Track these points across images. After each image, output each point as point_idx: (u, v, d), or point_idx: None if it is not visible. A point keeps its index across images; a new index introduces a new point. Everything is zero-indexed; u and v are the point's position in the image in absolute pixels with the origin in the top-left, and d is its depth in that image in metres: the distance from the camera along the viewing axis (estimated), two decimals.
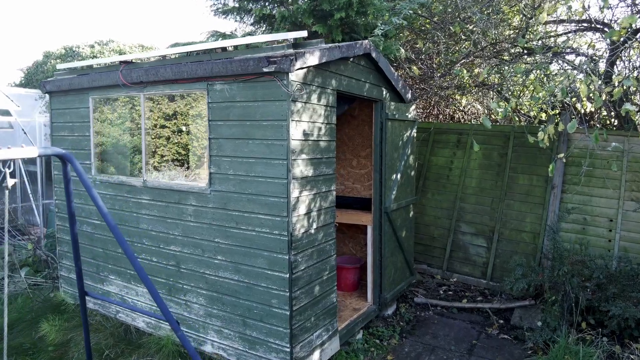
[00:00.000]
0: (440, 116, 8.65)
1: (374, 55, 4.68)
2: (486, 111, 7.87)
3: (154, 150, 4.56)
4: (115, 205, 4.86)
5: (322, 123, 4.02)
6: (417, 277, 6.66)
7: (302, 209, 3.79)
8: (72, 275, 5.48)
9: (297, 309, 3.80)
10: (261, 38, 3.89)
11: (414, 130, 5.83)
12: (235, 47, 3.95)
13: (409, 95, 5.72)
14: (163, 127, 4.47)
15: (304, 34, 4.08)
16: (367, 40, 4.56)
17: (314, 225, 3.97)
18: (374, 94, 4.95)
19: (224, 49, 4.07)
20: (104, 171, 5.03)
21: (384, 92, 5.16)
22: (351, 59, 4.41)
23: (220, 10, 7.03)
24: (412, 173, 5.90)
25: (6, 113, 7.81)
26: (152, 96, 4.48)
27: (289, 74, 3.54)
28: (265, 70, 3.54)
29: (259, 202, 3.80)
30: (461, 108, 8.07)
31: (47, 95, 6.60)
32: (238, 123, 3.86)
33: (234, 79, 3.82)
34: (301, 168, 3.75)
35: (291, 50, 3.61)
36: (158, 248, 4.53)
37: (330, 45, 4.01)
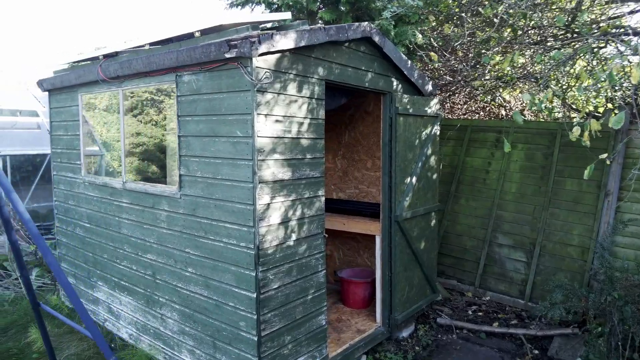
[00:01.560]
0: (482, 112, 7.75)
1: (376, 39, 4.05)
2: (523, 105, 6.90)
3: (133, 149, 4.22)
4: (101, 208, 4.58)
5: (305, 117, 3.46)
6: (445, 294, 5.89)
7: (274, 218, 3.25)
8: (70, 279, 5.30)
9: (269, 333, 3.26)
10: (231, 19, 3.40)
11: (437, 127, 5.09)
12: (202, 31, 3.49)
13: (429, 87, 5.00)
14: (139, 124, 4.12)
15: (287, 15, 3.55)
16: (366, 22, 3.94)
17: (293, 237, 3.42)
18: (380, 86, 4.30)
19: (190, 35, 3.62)
20: (93, 172, 4.79)
21: (394, 84, 4.50)
22: (346, 44, 3.81)
23: (234, 3, 6.67)
24: (434, 176, 5.17)
25: (34, 114, 7.96)
26: (130, 91, 4.14)
27: (252, 59, 3.02)
28: (227, 56, 3.05)
29: (225, 209, 3.31)
30: (503, 103, 7.13)
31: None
32: (205, 118, 3.40)
33: (200, 68, 3.36)
34: (273, 170, 3.22)
35: (255, 32, 3.09)
36: (137, 256, 4.18)
37: (312, 26, 3.44)
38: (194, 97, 3.45)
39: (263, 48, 3.01)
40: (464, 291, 6.04)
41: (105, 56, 4.39)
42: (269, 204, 3.20)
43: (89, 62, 4.77)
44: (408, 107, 4.61)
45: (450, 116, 7.83)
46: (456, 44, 5.76)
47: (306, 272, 3.56)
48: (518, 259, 5.77)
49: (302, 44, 3.29)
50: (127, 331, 4.44)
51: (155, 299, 4.03)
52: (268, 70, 3.13)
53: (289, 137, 3.33)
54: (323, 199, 3.69)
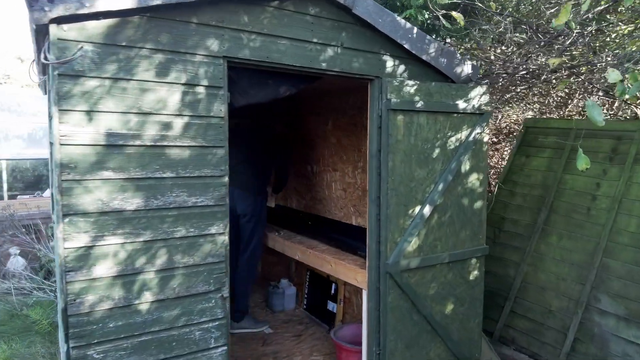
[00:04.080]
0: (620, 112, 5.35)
1: None
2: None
3: None
4: None
5: (177, 115, 2.27)
6: None
7: (104, 268, 2.15)
8: None
9: None
10: None
11: (480, 130, 3.35)
12: None
13: (464, 70, 3.30)
14: None
15: None
16: None
17: (148, 297, 2.26)
18: (356, 68, 2.85)
19: None
20: None
21: (388, 64, 2.98)
22: (273, 3, 2.49)
23: None
24: (477, 205, 3.44)
25: None
26: None
27: (49, 28, 1.97)
28: (33, 26, 2.05)
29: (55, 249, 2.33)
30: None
31: None
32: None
33: None
34: (100, 195, 2.11)
35: None
36: None
37: None
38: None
39: (61, 10, 1.93)
40: None
41: None
42: (90, 247, 2.11)
43: None
44: (415, 99, 3.03)
45: (559, 114, 5.57)
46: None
47: (179, 349, 2.36)
48: (632, 340, 3.59)
49: (157, 1, 2.12)
50: None
51: None
52: (88, 44, 2.04)
53: (139, 145, 2.19)
54: (222, 238, 2.44)
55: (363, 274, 3.21)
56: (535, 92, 5.35)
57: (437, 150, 3.19)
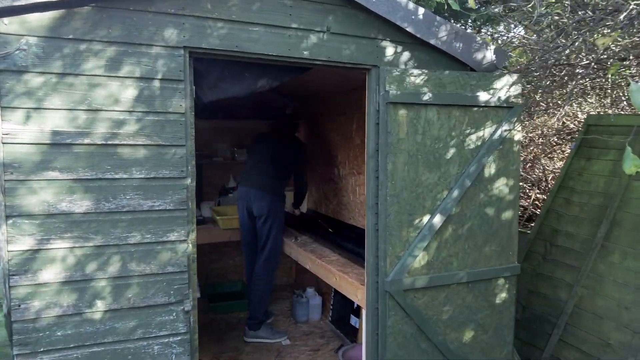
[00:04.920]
0: None
1: None
2: None
3: None
4: None
5: (131, 111, 2.11)
6: None
7: (51, 273, 2.03)
8: None
9: None
10: None
11: (508, 127, 2.86)
12: None
13: (486, 56, 2.83)
14: None
15: None
16: None
17: (100, 305, 2.12)
18: (347, 56, 2.52)
19: None
20: None
21: (387, 51, 2.62)
22: None
23: None
24: (506, 215, 2.94)
25: None
26: None
27: None
28: None
29: None
30: None
31: None
32: None
33: None
34: (46, 196, 2.00)
35: None
36: None
37: None
38: None
39: None
40: None
41: None
42: (36, 251, 2.01)
43: None
44: (423, 90, 2.63)
45: (632, 109, 4.72)
46: None
47: None
48: None
49: None
50: None
51: None
52: (32, 38, 1.95)
53: (88, 144, 2.05)
54: (183, 246, 2.24)
55: (363, 290, 2.85)
56: (605, 85, 4.58)
57: (451, 151, 2.75)
